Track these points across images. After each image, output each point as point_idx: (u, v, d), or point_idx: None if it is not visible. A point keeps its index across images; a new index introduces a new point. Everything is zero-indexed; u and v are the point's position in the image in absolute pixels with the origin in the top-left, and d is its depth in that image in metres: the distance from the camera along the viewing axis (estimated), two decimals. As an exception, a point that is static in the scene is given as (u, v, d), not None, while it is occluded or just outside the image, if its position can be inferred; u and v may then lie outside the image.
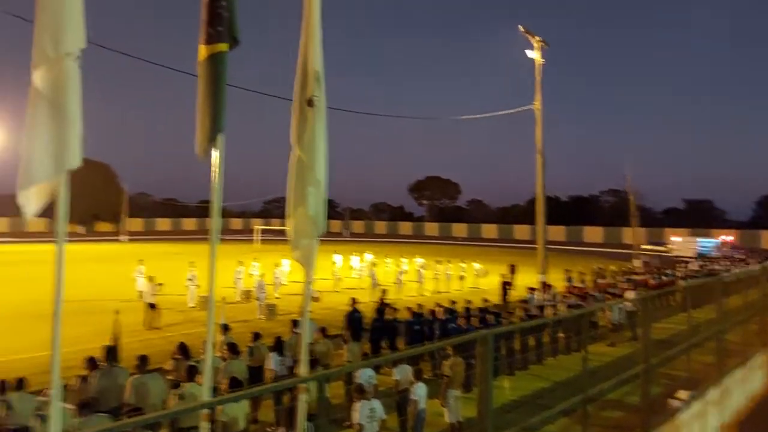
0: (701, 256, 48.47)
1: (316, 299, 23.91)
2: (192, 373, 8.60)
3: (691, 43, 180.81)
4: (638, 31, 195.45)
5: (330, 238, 65.22)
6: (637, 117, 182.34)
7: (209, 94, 5.28)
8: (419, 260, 31.80)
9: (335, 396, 10.48)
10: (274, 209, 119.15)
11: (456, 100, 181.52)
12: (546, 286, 23.02)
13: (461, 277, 30.76)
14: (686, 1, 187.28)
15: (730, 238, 63.45)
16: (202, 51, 5.32)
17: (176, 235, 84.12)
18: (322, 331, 12.60)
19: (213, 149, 5.41)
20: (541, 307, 18.21)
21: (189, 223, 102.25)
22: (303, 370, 6.07)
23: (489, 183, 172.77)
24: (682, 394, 8.39)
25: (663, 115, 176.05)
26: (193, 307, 22.86)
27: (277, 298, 24.71)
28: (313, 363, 9.13)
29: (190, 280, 23.57)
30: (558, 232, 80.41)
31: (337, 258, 31.15)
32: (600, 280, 27.03)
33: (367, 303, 21.43)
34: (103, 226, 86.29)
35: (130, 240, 69.34)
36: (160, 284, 20.38)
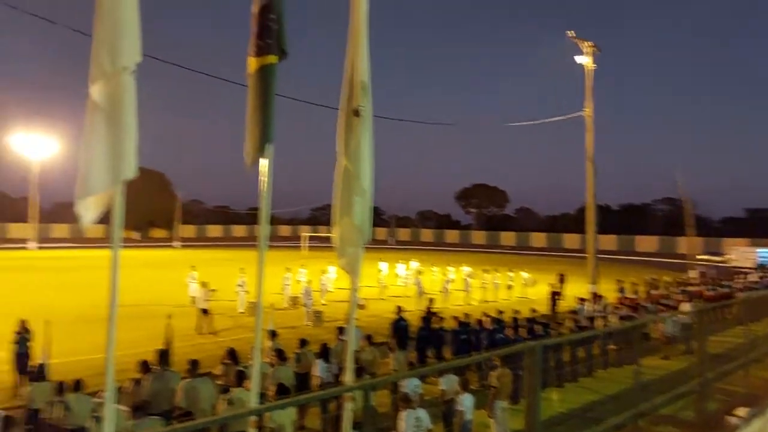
0: (761, 267, 46.47)
1: (362, 307, 23.99)
2: (240, 378, 8.74)
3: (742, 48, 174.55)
4: (695, 37, 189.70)
5: (375, 245, 65.39)
6: (695, 122, 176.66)
7: (258, 106, 5.38)
8: (466, 269, 31.52)
9: (381, 404, 10.47)
10: (322, 216, 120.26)
11: (504, 106, 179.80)
12: (596, 297, 22.50)
13: (509, 287, 30.35)
14: (738, 7, 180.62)
15: (793, 249, 60.57)
16: (252, 63, 5.43)
17: (227, 242, 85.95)
18: (368, 338, 12.63)
19: (262, 158, 5.52)
20: (592, 318, 17.79)
21: (239, 230, 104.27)
22: (349, 378, 6.10)
23: (537, 191, 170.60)
24: (741, 411, 8.03)
25: (723, 121, 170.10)
26: (242, 312, 23.26)
27: (323, 304, 24.90)
28: (359, 371, 9.17)
29: (239, 286, 24.00)
30: (609, 241, 78.42)
31: (383, 266, 31.21)
32: (653, 291, 26.21)
33: (413, 311, 21.37)
34: (158, 233, 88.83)
35: (183, 246, 71.17)
36: (214, 290, 20.79)
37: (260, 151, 5.38)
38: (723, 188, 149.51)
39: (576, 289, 29.32)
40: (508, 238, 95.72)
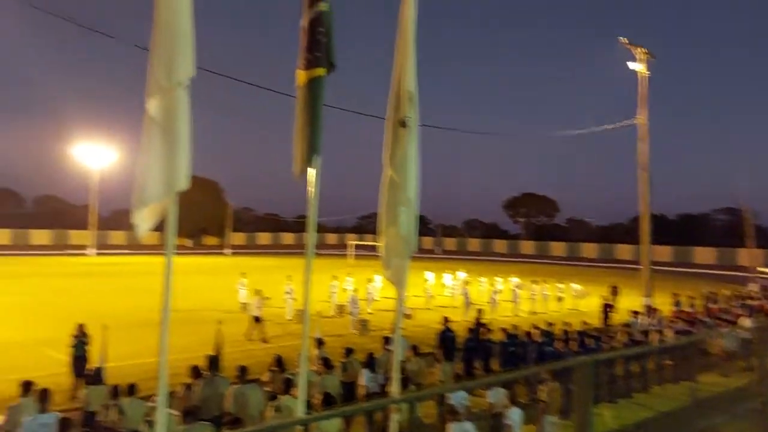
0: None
1: (408, 317, 23.92)
2: (288, 385, 8.82)
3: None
4: (756, 41, 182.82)
5: (422, 255, 65.22)
6: (756, 130, 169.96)
7: (307, 118, 5.46)
8: (514, 279, 31.05)
9: (427, 416, 10.41)
10: (368, 225, 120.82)
11: (553, 114, 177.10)
12: (651, 310, 21.81)
13: (559, 298, 29.73)
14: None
15: None
16: (301, 76, 5.52)
17: (276, 249, 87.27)
18: (414, 349, 12.56)
19: (309, 168, 5.60)
20: (646, 332, 17.24)
21: (288, 238, 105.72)
22: (395, 389, 6.08)
23: (589, 200, 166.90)
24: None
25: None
26: (290, 320, 23.51)
27: (369, 313, 24.95)
28: (405, 381, 9.13)
29: (287, 293, 24.29)
30: (664, 252, 75.99)
31: (430, 275, 31.06)
32: (711, 305, 25.20)
33: (460, 322, 21.18)
34: (210, 240, 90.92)
35: (233, 253, 72.58)
36: (267, 298, 21.06)
37: (308, 162, 5.45)
38: None
39: (629, 301, 28.48)
40: (557, 248, 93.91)
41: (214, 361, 10.47)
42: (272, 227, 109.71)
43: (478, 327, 16.17)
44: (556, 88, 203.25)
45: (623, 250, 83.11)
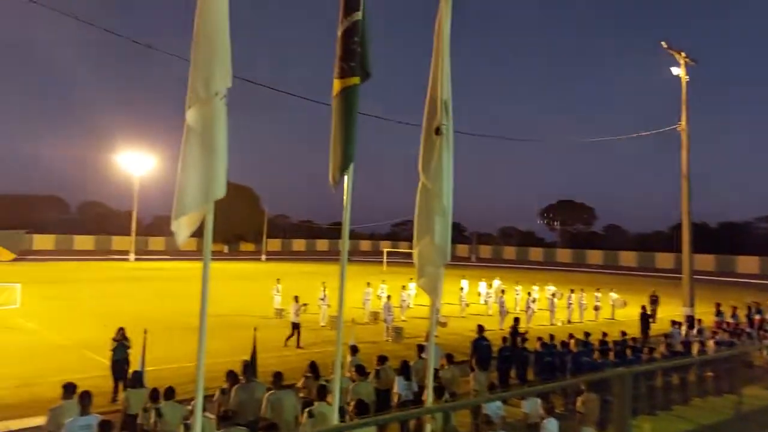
0: None
1: (443, 324, 23.82)
2: (322, 392, 8.86)
3: None
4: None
5: (457, 262, 64.87)
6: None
7: (342, 127, 5.51)
8: (551, 288, 30.62)
9: (461, 424, 10.32)
10: (402, 232, 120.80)
11: (590, 120, 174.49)
12: (692, 320, 21.24)
13: (596, 308, 29.19)
14: None
15: None
16: (336, 85, 5.58)
17: (310, 255, 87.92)
18: (449, 357, 12.49)
19: (343, 175, 5.65)
20: (687, 343, 16.81)
21: (322, 244, 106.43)
22: (429, 398, 6.06)
23: (627, 208, 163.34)
24: None
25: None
26: (324, 326, 23.64)
27: (403, 320, 24.92)
28: (439, 390, 9.08)
29: (321, 299, 24.43)
30: (706, 261, 73.96)
31: (464, 283, 30.87)
32: (755, 316, 24.42)
33: (495, 331, 20.99)
34: (246, 246, 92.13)
35: (268, 259, 73.38)
36: (305, 304, 21.21)
37: (343, 171, 5.50)
38: None
39: (669, 311, 27.82)
40: (594, 256, 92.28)
41: (249, 367, 10.58)
42: (307, 234, 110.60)
43: (515, 336, 15.98)
44: (595, 93, 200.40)
45: (663, 259, 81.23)
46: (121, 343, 13.79)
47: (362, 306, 25.93)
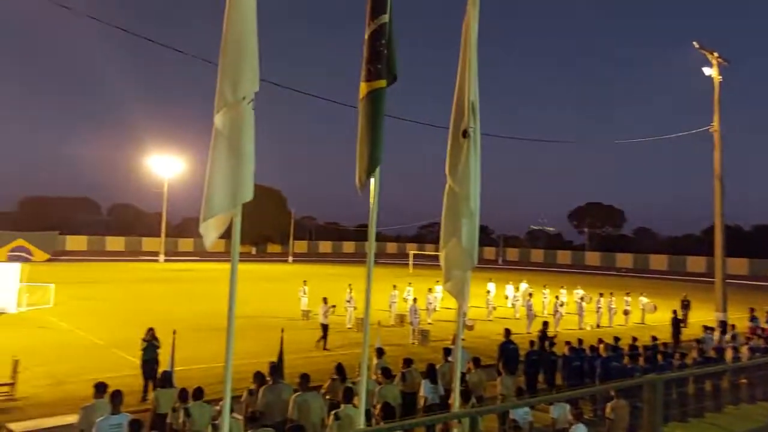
0: None
1: (469, 328, 23.67)
2: (348, 394, 8.87)
3: None
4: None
5: (484, 265, 64.47)
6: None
7: (368, 130, 5.51)
8: (579, 291, 30.22)
9: (489, 429, 10.24)
10: (428, 234, 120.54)
11: (620, 122, 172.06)
12: (725, 326, 20.77)
13: (626, 312, 28.71)
14: None
15: None
16: (363, 88, 5.58)
17: (336, 257, 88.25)
18: (475, 361, 12.40)
19: (370, 178, 5.64)
20: (720, 349, 16.42)
21: (348, 246, 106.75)
22: (456, 402, 6.02)
23: (657, 210, 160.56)
24: None
25: None
26: (350, 328, 23.69)
27: (429, 323, 24.84)
28: (466, 393, 9.02)
29: (348, 301, 24.48)
30: (740, 265, 72.26)
31: (491, 286, 30.65)
32: (792, 321, 23.78)
33: (522, 334, 20.79)
34: (273, 247, 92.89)
35: (294, 261, 73.88)
36: (334, 306, 21.27)
37: (369, 174, 5.50)
38: None
39: (701, 316, 27.27)
40: (624, 259, 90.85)
41: (276, 368, 10.64)
42: (333, 236, 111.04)
43: (543, 340, 15.80)
44: (625, 94, 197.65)
45: (695, 263, 79.62)
46: (150, 343, 13.96)
47: (388, 308, 25.91)
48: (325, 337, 20.14)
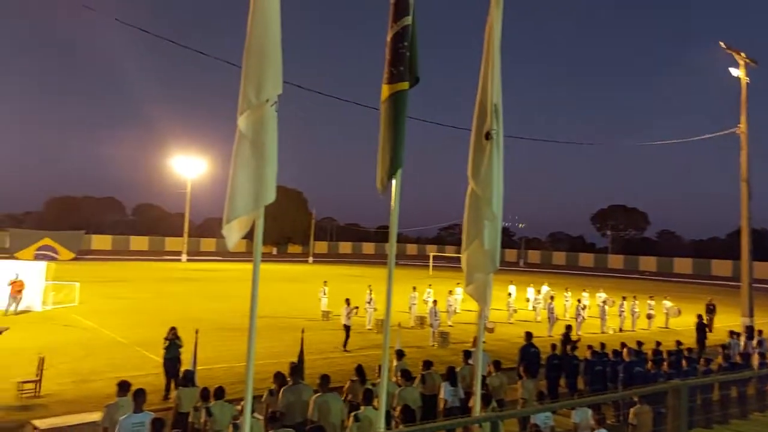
0: None
1: (490, 330, 23.55)
2: (368, 396, 8.87)
3: None
4: None
5: (505, 267, 64.09)
6: None
7: (390, 133, 5.50)
8: (601, 295, 29.89)
9: (508, 433, 10.17)
10: (448, 236, 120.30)
11: (643, 124, 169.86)
12: (752, 331, 20.37)
13: (649, 316, 28.32)
14: None
15: None
16: (385, 90, 5.57)
17: (356, 258, 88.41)
18: (496, 364, 12.32)
19: (392, 180, 5.63)
20: (746, 355, 16.12)
21: (368, 247, 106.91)
22: (477, 406, 5.99)
23: (682, 213, 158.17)
24: None
25: None
26: (370, 329, 23.70)
27: (450, 326, 24.75)
28: (486, 397, 8.96)
29: (368, 303, 24.50)
30: (766, 269, 70.86)
31: (512, 288, 30.45)
32: (822, 328, 23.25)
33: (543, 337, 20.62)
34: (294, 248, 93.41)
35: (314, 261, 74.17)
36: (357, 308, 21.30)
37: (391, 176, 5.49)
38: None
39: (727, 321, 26.81)
40: (648, 263, 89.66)
41: (297, 369, 10.67)
42: (353, 237, 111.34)
43: (566, 343, 15.64)
44: (649, 96, 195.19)
45: (720, 266, 78.30)
46: (173, 342, 14.09)
47: (408, 310, 25.87)
48: (347, 338, 20.15)
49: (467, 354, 12.87)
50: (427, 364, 12.09)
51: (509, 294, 29.63)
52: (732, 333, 18.95)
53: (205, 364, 14.71)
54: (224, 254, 75.32)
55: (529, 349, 14.76)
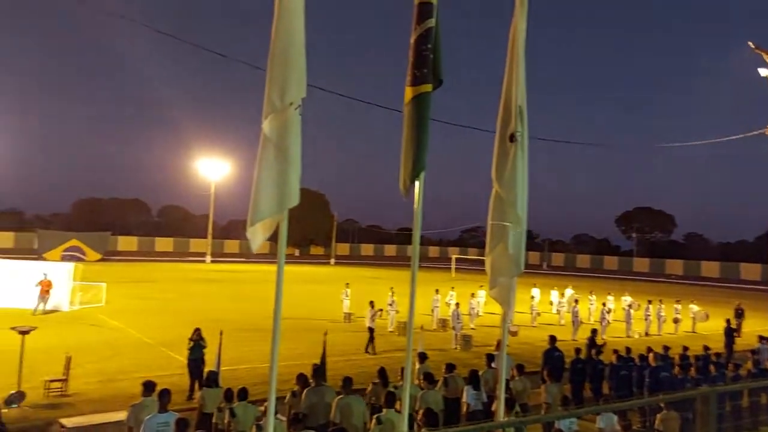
0: None
1: (513, 334, 23.35)
2: (390, 399, 8.85)
3: None
4: None
5: (528, 270, 63.46)
6: None
7: (413, 135, 5.48)
8: (627, 298, 29.48)
9: (532, 438, 10.07)
10: (470, 239, 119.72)
11: (669, 126, 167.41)
12: (782, 337, 19.89)
13: (676, 320, 27.85)
14: None
15: None
16: (408, 93, 5.56)
17: (378, 260, 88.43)
18: (519, 368, 12.21)
19: (415, 182, 5.61)
20: (776, 361, 15.77)
21: (390, 249, 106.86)
22: (501, 410, 5.93)
23: (709, 216, 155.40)
24: None
25: None
26: (392, 331, 23.66)
27: (472, 328, 24.62)
28: (510, 402, 8.89)
29: (390, 305, 24.47)
30: (797, 272, 69.28)
31: (535, 291, 30.19)
32: None
33: (567, 341, 20.39)
34: (316, 250, 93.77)
35: (336, 263, 74.37)
36: (381, 310, 21.23)
37: (414, 178, 5.47)
38: None
39: (756, 325, 26.28)
40: (674, 266, 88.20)
41: (319, 371, 10.69)
42: (374, 238, 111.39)
43: (591, 347, 15.45)
44: (677, 97, 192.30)
45: (749, 270, 76.68)
46: (197, 343, 14.22)
47: (430, 313, 25.79)
48: (371, 340, 20.14)
49: (490, 357, 12.78)
50: (450, 367, 12.04)
51: (532, 297, 29.38)
52: (761, 338, 18.53)
53: (228, 365, 14.81)
54: (248, 255, 75.84)
55: (553, 353, 14.61)
